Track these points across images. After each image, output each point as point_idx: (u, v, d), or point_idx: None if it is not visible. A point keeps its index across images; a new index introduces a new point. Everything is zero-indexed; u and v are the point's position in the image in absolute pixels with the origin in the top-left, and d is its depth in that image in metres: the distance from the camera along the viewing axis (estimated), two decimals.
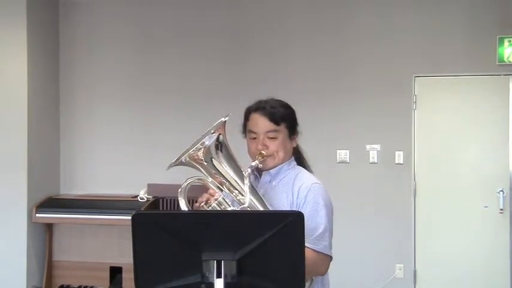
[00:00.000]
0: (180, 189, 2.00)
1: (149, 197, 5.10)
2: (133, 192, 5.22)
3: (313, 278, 2.09)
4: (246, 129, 2.21)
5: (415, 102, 5.20)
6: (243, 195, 2.00)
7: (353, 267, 5.05)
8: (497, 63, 5.04)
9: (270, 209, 2.05)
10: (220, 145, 2.02)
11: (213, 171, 2.03)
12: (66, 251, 5.17)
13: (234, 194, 2.03)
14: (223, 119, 2.01)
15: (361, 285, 5.15)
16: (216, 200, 2.00)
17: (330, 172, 5.09)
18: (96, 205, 5.06)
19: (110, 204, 5.04)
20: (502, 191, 5.04)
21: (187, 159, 1.98)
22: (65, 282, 5.15)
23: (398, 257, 5.20)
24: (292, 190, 2.12)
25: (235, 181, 2.03)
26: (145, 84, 5.53)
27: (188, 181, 2.01)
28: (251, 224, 1.62)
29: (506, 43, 5.01)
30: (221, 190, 2.04)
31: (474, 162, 5.13)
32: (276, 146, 2.15)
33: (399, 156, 5.21)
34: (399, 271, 5.19)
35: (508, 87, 5.08)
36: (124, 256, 4.87)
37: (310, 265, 1.96)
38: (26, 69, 5.02)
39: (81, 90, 5.59)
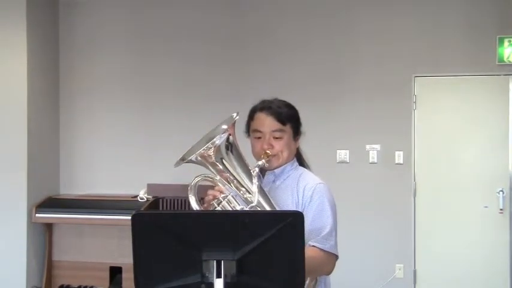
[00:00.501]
0: (189, 187, 2.01)
1: (149, 197, 5.10)
2: (133, 192, 5.22)
3: (317, 278, 2.10)
4: (249, 129, 2.21)
5: (415, 102, 5.20)
6: (250, 194, 2.01)
7: (353, 267, 5.04)
8: (497, 63, 5.04)
9: (277, 208, 2.06)
10: (230, 146, 2.02)
11: (222, 170, 2.03)
12: (66, 251, 5.17)
13: (241, 192, 2.04)
14: (234, 116, 2.02)
15: (361, 285, 5.15)
16: (226, 197, 2.00)
17: (330, 172, 5.06)
18: (96, 205, 5.06)
19: (110, 204, 5.04)
20: (502, 191, 5.04)
21: (199, 158, 1.98)
22: (65, 282, 5.15)
23: (398, 257, 5.20)
24: (297, 190, 2.14)
25: (243, 180, 2.04)
26: (146, 84, 5.53)
27: (197, 179, 2.03)
28: (251, 224, 1.62)
29: (506, 43, 5.01)
30: (230, 187, 2.05)
31: (474, 162, 5.13)
32: (281, 145, 2.16)
33: (399, 156, 5.21)
34: (399, 271, 5.19)
35: (508, 87, 5.08)
36: (124, 256, 4.87)
37: (318, 264, 1.98)
38: (26, 69, 5.03)
39: (81, 90, 5.59)
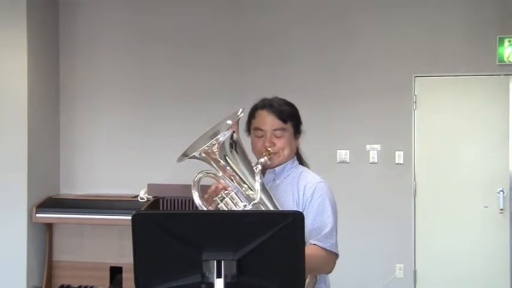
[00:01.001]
0: (192, 182, 2.01)
1: (149, 197, 5.10)
2: (133, 192, 5.22)
3: (317, 277, 2.10)
4: (249, 127, 2.22)
5: (415, 102, 5.20)
6: (252, 191, 2.02)
7: (353, 267, 5.05)
8: (497, 63, 5.04)
9: (278, 206, 2.06)
10: (234, 143, 2.03)
11: (225, 166, 2.04)
12: (66, 251, 5.17)
13: (243, 188, 2.05)
14: (238, 112, 2.03)
15: (361, 285, 5.15)
16: (228, 194, 2.01)
17: (330, 172, 5.07)
18: (96, 205, 5.06)
19: (110, 204, 5.04)
20: (502, 191, 5.04)
21: (202, 154, 1.99)
22: (65, 282, 5.15)
23: (398, 257, 5.20)
24: (297, 188, 2.14)
25: (246, 177, 2.04)
26: (146, 84, 5.53)
27: (199, 175, 2.03)
28: (251, 224, 1.62)
29: (506, 43, 5.01)
30: (232, 184, 2.05)
31: (474, 162, 5.13)
32: (282, 143, 2.17)
33: (399, 156, 5.21)
34: (399, 271, 5.19)
35: (508, 87, 5.08)
36: (124, 256, 4.87)
37: (319, 262, 1.99)
38: (26, 70, 5.02)
39: (81, 90, 5.59)
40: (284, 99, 2.24)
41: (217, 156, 2.01)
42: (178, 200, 5.14)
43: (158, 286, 1.62)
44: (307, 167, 2.29)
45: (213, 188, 2.04)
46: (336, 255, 2.09)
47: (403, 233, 5.18)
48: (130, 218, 1.60)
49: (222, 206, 2.01)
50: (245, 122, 2.24)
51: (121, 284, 5.00)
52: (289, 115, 2.18)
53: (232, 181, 2.05)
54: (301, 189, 2.13)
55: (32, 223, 5.06)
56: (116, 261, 5.02)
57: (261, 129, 2.17)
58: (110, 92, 5.57)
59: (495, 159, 5.09)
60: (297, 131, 2.23)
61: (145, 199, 5.06)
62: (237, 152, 2.04)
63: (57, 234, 5.21)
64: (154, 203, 5.07)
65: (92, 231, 5.10)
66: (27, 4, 5.00)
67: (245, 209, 1.97)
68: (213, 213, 1.86)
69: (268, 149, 2.13)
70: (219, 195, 2.02)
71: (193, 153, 1.98)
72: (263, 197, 2.01)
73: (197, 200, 2.01)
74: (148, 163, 5.42)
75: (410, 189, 5.19)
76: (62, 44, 5.59)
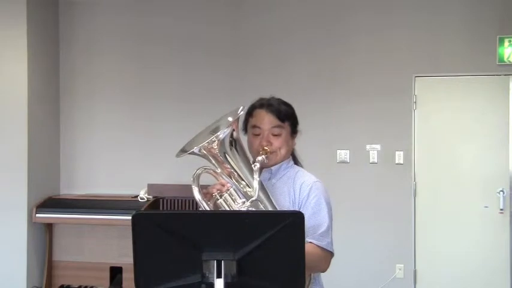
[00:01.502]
0: (192, 178, 2.02)
1: (149, 197, 5.10)
2: (133, 192, 5.23)
3: (311, 277, 2.10)
4: (247, 126, 2.23)
5: (415, 102, 5.20)
6: (249, 188, 2.03)
7: (353, 267, 5.06)
8: (497, 63, 5.04)
9: (275, 204, 2.07)
10: (234, 141, 2.04)
11: (224, 163, 2.05)
12: (66, 251, 5.17)
13: (241, 185, 2.05)
14: (239, 110, 2.04)
15: (361, 285, 5.16)
16: (227, 190, 2.02)
17: (330, 172, 5.09)
18: (96, 205, 5.06)
19: (110, 204, 5.04)
20: (502, 191, 5.04)
21: (202, 150, 2.00)
22: (65, 282, 5.15)
23: (398, 257, 5.20)
24: (293, 187, 2.15)
25: (245, 174, 2.05)
26: (146, 84, 5.53)
27: (199, 171, 2.04)
28: (251, 224, 1.62)
29: (506, 43, 5.01)
30: (230, 180, 2.06)
31: (474, 162, 5.13)
32: (279, 142, 2.18)
33: (399, 156, 5.21)
34: (399, 271, 5.19)
35: (508, 87, 5.08)
36: (124, 256, 4.88)
37: (315, 260, 2.00)
38: (26, 69, 5.02)
39: (81, 90, 5.59)
40: (281, 99, 2.25)
41: (217, 153, 2.02)
42: (178, 200, 5.14)
43: (158, 286, 1.62)
44: (302, 167, 2.30)
45: (214, 190, 2.04)
46: (331, 254, 2.11)
47: (403, 233, 5.18)
48: (130, 218, 1.60)
49: (221, 202, 2.02)
50: (242, 120, 2.24)
51: (121, 284, 5.00)
52: (286, 115, 2.20)
53: (231, 178, 2.06)
54: (297, 188, 2.15)
55: (32, 223, 5.06)
56: (116, 261, 5.02)
57: (259, 128, 2.18)
58: (110, 92, 5.57)
59: (495, 159, 5.09)
60: (293, 130, 2.24)
61: (145, 199, 5.06)
62: (236, 150, 2.05)
63: (57, 234, 5.21)
64: (154, 203, 5.07)
65: (91, 231, 5.10)
66: (27, 4, 5.00)
67: (244, 205, 1.98)
68: (213, 213, 1.86)
69: (265, 147, 2.14)
70: (218, 191, 2.03)
71: (193, 149, 1.99)
72: (261, 194, 2.02)
73: (197, 195, 2.02)
74: (148, 163, 5.42)
75: (410, 190, 5.19)
76: (62, 44, 5.59)
